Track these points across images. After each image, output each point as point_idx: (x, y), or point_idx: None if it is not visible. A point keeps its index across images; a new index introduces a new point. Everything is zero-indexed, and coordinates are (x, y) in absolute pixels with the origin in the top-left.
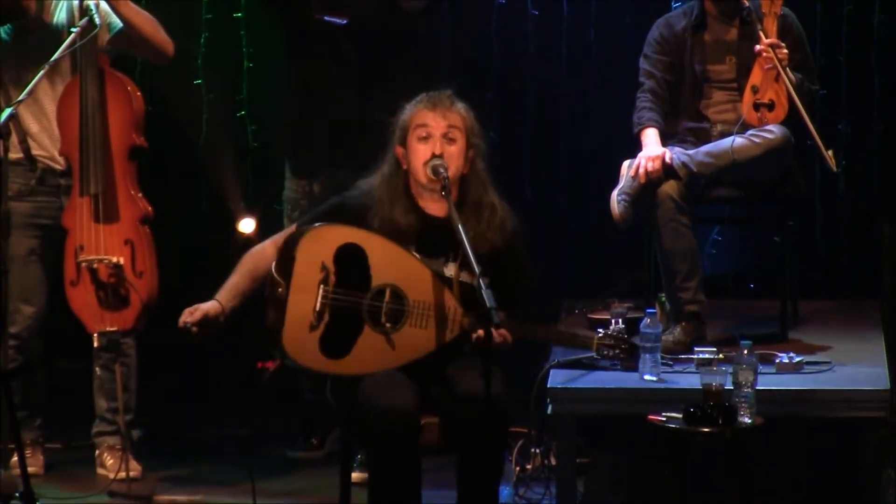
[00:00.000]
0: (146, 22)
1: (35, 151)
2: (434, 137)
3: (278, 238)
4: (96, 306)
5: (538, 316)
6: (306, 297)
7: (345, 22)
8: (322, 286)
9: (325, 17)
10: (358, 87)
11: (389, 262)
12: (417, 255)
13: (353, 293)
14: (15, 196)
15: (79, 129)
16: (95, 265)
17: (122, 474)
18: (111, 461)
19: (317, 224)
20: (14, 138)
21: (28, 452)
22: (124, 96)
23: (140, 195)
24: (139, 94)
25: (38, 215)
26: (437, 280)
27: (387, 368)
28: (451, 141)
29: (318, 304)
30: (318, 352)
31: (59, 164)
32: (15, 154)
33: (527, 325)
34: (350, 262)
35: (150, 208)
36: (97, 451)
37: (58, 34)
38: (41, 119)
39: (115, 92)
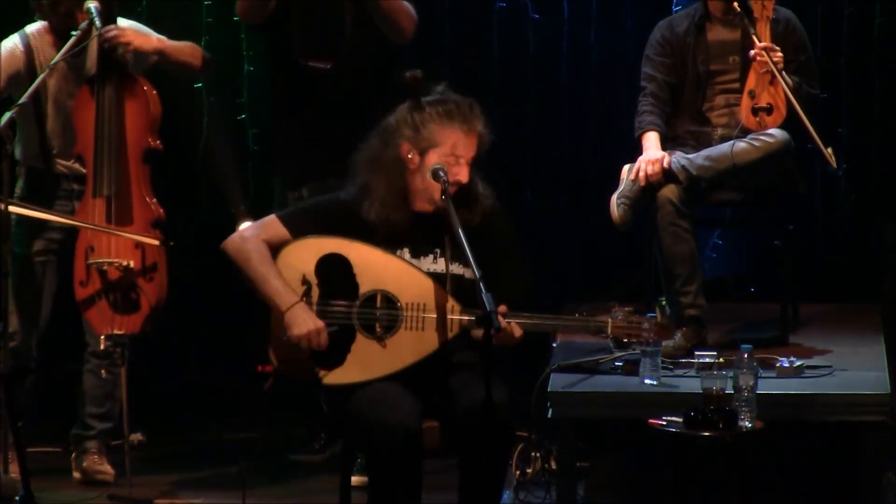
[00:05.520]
0: (187, 55)
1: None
2: (462, 165)
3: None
4: (105, 308)
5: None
6: None
7: (328, 66)
8: (304, 300)
9: (309, 63)
10: (347, 99)
11: (375, 266)
12: (405, 257)
13: (339, 303)
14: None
15: (94, 129)
16: (105, 267)
17: (97, 477)
18: (85, 464)
19: (292, 240)
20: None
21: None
22: (141, 98)
23: (153, 199)
24: (156, 95)
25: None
26: (429, 279)
27: (386, 374)
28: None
29: None
30: (312, 365)
31: (78, 169)
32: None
33: (531, 317)
34: (333, 272)
35: (162, 212)
36: (73, 455)
37: None
38: (62, 122)
39: (132, 93)
